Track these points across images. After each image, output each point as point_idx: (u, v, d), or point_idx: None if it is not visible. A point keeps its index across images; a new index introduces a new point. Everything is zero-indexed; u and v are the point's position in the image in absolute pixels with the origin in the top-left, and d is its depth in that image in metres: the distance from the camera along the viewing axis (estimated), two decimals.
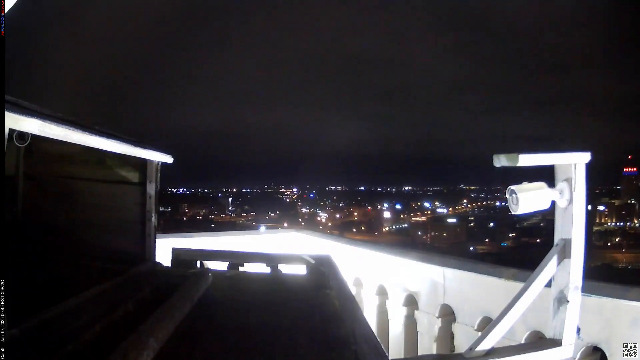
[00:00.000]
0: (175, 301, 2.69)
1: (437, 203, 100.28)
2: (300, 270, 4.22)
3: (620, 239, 72.73)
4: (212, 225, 76.20)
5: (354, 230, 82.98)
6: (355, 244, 6.26)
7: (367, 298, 5.53)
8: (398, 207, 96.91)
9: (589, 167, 2.45)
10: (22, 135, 3.30)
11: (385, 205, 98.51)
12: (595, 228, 73.16)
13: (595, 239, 68.36)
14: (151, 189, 4.29)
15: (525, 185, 2.36)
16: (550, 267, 2.47)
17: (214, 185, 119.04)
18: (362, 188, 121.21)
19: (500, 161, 2.33)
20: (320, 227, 72.39)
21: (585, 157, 2.45)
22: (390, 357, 3.18)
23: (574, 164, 2.44)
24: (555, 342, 2.48)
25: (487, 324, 3.45)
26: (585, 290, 2.59)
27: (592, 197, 72.12)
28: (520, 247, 65.66)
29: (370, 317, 5.27)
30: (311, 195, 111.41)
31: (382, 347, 2.45)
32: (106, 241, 4.31)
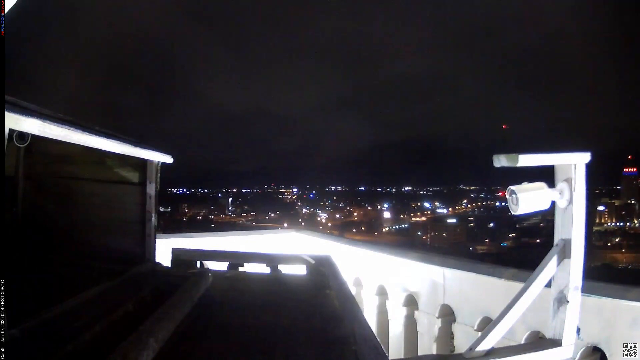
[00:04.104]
0: (175, 301, 2.69)
1: (437, 203, 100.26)
2: (300, 270, 4.23)
3: (620, 239, 72.71)
4: (212, 225, 76.23)
5: (354, 230, 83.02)
6: (355, 244, 6.26)
7: (367, 298, 5.53)
8: (398, 207, 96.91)
9: (589, 167, 2.45)
10: (22, 135, 3.31)
11: (385, 205, 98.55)
12: (595, 228, 73.18)
13: (595, 239, 68.37)
14: (151, 189, 4.29)
15: (525, 185, 2.36)
16: (550, 267, 2.47)
17: (214, 185, 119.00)
18: (362, 188, 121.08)
19: (500, 161, 2.33)
20: (320, 227, 72.41)
21: (585, 157, 2.45)
22: (390, 357, 3.19)
23: (574, 164, 2.44)
24: (555, 342, 2.47)
25: (487, 324, 3.45)
26: (585, 290, 2.59)
27: (592, 197, 72.14)
28: (520, 247, 65.66)
29: (370, 317, 5.27)
30: (311, 195, 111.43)
31: (382, 347, 2.45)
32: (106, 241, 4.31)
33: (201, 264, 4.54)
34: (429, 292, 4.64)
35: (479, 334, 2.63)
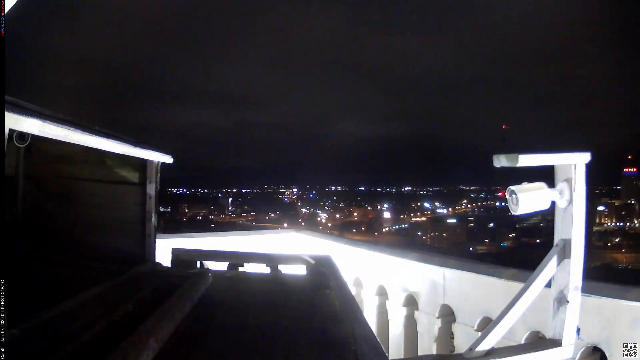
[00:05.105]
0: (175, 301, 2.69)
1: (437, 203, 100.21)
2: (300, 270, 4.22)
3: (620, 239, 72.71)
4: (212, 225, 76.18)
5: (354, 230, 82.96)
6: (355, 244, 6.26)
7: (367, 298, 5.53)
8: (398, 207, 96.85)
9: (589, 167, 2.44)
10: (22, 135, 3.31)
11: (385, 205, 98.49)
12: (595, 228, 73.16)
13: (595, 239, 68.35)
14: (151, 189, 4.29)
15: (525, 185, 2.36)
16: (550, 268, 2.47)
17: (214, 185, 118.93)
18: (362, 188, 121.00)
19: (500, 161, 2.32)
20: (320, 227, 72.37)
21: (585, 157, 2.44)
22: (390, 357, 3.19)
23: (574, 164, 2.43)
24: (555, 342, 2.47)
25: (487, 324, 3.45)
26: (585, 290, 2.59)
27: (592, 197, 72.14)
28: (520, 247, 65.61)
29: (370, 318, 5.27)
30: (311, 195, 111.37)
31: (382, 347, 2.45)
32: (106, 241, 4.31)
33: (201, 264, 4.54)
34: (429, 292, 4.63)
35: (479, 334, 2.63)
